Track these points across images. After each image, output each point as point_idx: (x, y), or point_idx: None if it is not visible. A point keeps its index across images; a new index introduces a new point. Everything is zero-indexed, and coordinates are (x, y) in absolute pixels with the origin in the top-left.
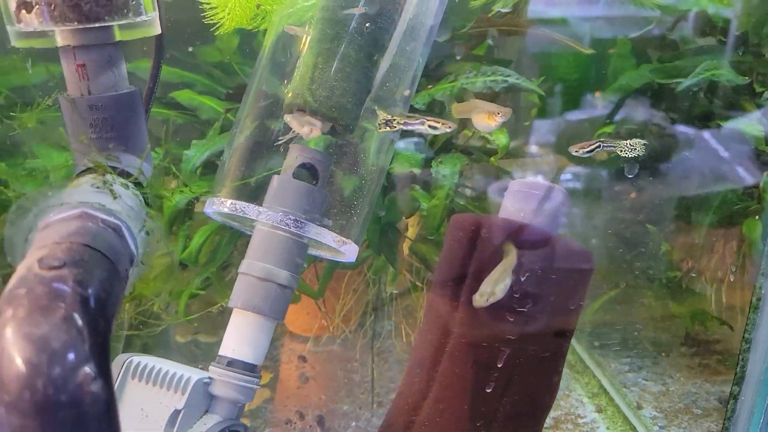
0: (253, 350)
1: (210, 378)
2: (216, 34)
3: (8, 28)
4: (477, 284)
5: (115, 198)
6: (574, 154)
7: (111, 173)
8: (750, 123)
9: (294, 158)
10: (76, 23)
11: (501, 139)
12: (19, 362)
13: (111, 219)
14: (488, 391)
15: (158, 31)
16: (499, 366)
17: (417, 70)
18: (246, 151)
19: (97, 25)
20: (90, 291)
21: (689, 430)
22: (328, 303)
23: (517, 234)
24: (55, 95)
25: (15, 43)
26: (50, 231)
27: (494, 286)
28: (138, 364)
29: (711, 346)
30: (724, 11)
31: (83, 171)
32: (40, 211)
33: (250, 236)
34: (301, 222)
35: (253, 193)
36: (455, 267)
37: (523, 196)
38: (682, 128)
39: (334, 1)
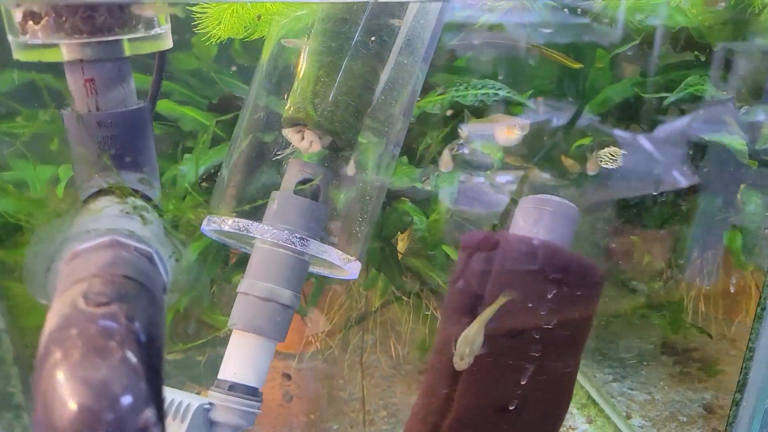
0: (254, 373)
1: (210, 403)
2: (192, 40)
3: (11, 39)
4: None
5: (146, 224)
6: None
7: (135, 196)
8: (733, 137)
9: (294, 174)
10: (87, 36)
11: (496, 153)
12: (75, 408)
13: (142, 246)
14: (511, 408)
15: (170, 45)
16: (522, 383)
17: (416, 85)
18: (245, 167)
19: (110, 38)
20: (139, 326)
21: None
22: (312, 318)
23: (534, 251)
24: (52, 109)
25: (18, 55)
26: (83, 261)
27: (471, 346)
28: None
29: (689, 354)
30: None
31: (97, 193)
32: (65, 239)
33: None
34: (306, 240)
35: (252, 210)
36: (471, 286)
37: (536, 213)
38: (619, 133)
39: (334, 14)
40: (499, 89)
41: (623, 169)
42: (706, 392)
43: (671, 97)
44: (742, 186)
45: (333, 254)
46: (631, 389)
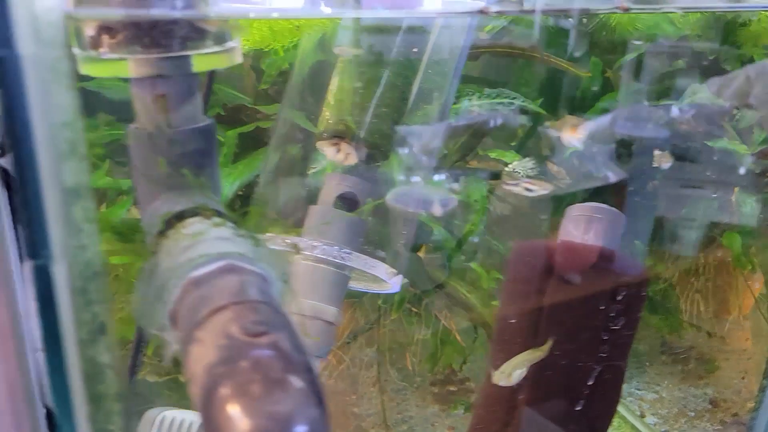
0: None
1: None
2: None
3: (77, 52)
4: (559, 310)
5: (257, 245)
6: None
7: (226, 217)
8: (736, 143)
9: (333, 188)
10: (163, 51)
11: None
12: None
13: (256, 269)
14: (578, 409)
15: (240, 60)
16: (590, 384)
17: (448, 97)
18: (281, 182)
19: (187, 53)
20: (293, 350)
21: (689, 431)
22: None
23: (595, 258)
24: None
25: (85, 70)
26: (210, 288)
27: (513, 370)
28: (173, 420)
29: (687, 353)
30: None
31: (179, 214)
32: (177, 266)
33: None
34: (351, 254)
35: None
36: (529, 297)
37: (586, 220)
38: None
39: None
40: (514, 98)
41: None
42: (707, 388)
43: (676, 105)
44: (737, 189)
45: (380, 268)
46: (639, 389)
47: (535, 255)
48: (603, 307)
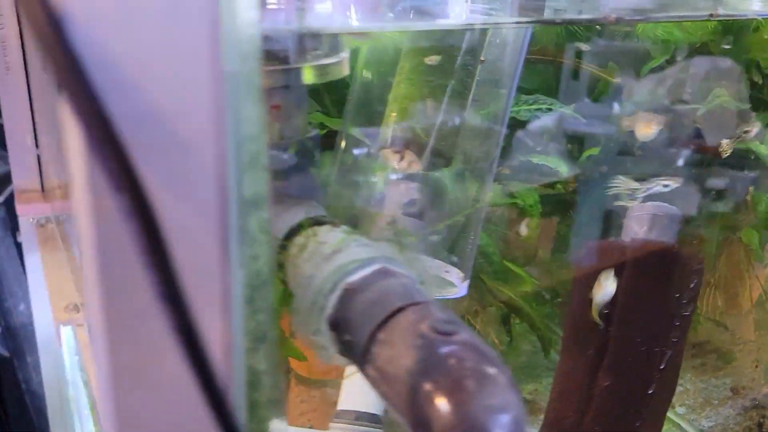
0: (375, 399)
1: None
2: None
3: None
4: (637, 303)
5: (402, 250)
6: None
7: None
8: (757, 143)
9: (400, 195)
10: (283, 63)
11: (561, 166)
12: None
13: (405, 271)
14: (650, 392)
15: (347, 72)
16: (661, 368)
17: (507, 101)
18: (347, 190)
19: (307, 64)
20: (484, 345)
21: (715, 418)
22: None
23: (673, 251)
24: None
25: None
26: (375, 292)
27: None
28: None
29: (704, 347)
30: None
31: (314, 222)
32: (329, 273)
33: None
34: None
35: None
36: None
37: (650, 218)
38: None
39: (432, 34)
40: (552, 104)
41: None
42: (726, 378)
43: (703, 108)
44: (752, 187)
45: (453, 272)
46: None
47: (616, 253)
48: (677, 295)
